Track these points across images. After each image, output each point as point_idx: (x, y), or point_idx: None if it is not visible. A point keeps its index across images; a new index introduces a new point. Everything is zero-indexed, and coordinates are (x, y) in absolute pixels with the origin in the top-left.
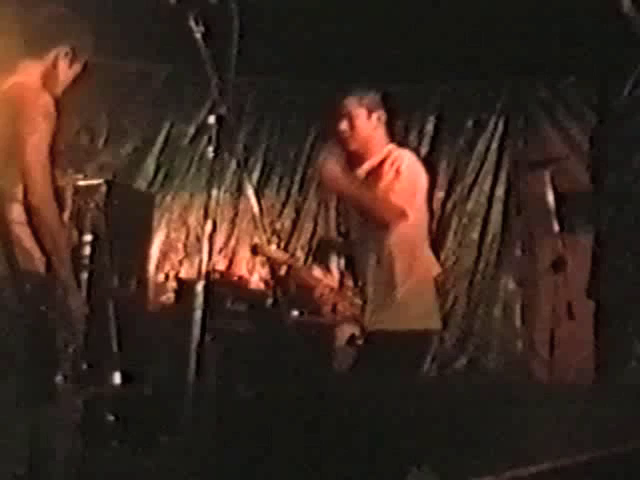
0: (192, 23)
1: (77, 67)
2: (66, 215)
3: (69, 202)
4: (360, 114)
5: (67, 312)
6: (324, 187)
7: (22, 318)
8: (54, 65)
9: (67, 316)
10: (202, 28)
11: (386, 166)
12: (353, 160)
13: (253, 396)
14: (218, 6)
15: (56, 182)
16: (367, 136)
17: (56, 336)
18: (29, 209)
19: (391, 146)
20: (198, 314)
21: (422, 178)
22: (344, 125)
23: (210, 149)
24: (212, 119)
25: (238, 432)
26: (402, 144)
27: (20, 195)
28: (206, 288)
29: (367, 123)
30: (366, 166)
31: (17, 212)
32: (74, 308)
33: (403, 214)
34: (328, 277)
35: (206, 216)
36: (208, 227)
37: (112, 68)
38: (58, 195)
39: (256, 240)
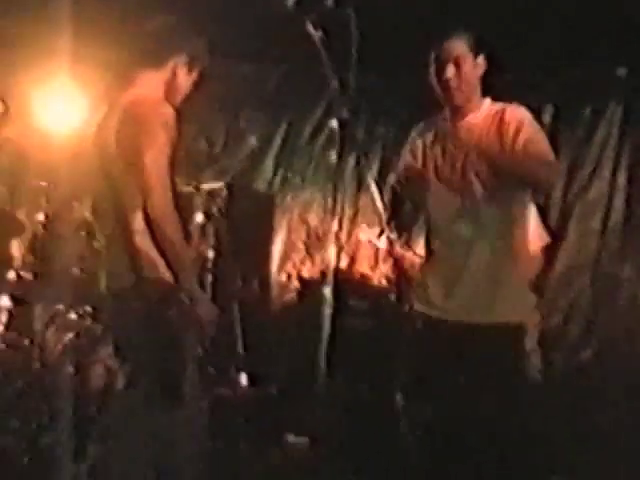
0: (310, 28)
1: (195, 75)
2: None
3: (190, 207)
4: (467, 57)
5: (195, 319)
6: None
7: (149, 325)
8: (173, 74)
9: (195, 323)
10: (320, 32)
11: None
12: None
13: (377, 396)
14: (335, 10)
15: (177, 189)
16: (473, 86)
17: (184, 342)
18: (149, 219)
19: (488, 100)
20: (327, 313)
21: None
22: (450, 72)
23: (333, 153)
24: (334, 123)
25: (363, 432)
26: None
27: (141, 206)
28: (335, 287)
29: (474, 69)
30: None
31: (139, 222)
32: (202, 315)
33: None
34: None
35: (332, 214)
36: (334, 224)
37: (226, 71)
38: (179, 202)
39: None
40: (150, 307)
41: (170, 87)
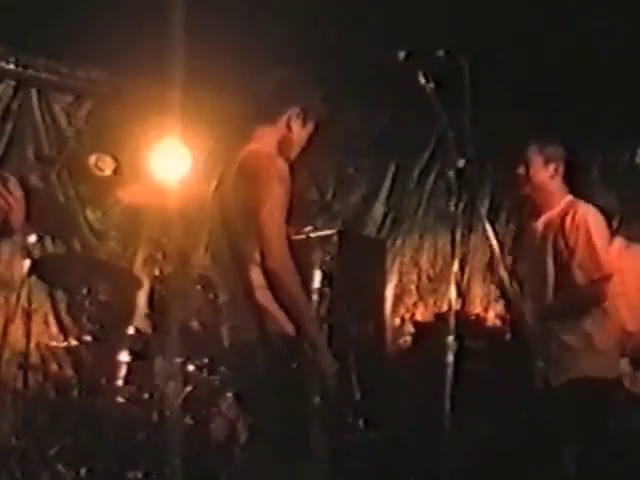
0: (421, 79)
1: (310, 127)
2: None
3: (303, 256)
4: (537, 162)
5: (317, 370)
6: None
7: (272, 378)
8: (288, 128)
9: (317, 374)
10: (432, 84)
11: (568, 220)
12: (532, 212)
13: (497, 435)
14: (446, 59)
15: (291, 239)
16: (541, 183)
17: (305, 394)
18: (267, 273)
19: (569, 198)
20: (450, 357)
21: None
22: (521, 170)
23: (452, 203)
24: (452, 173)
25: (490, 472)
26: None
27: (259, 259)
28: (456, 329)
29: (543, 171)
30: (544, 218)
31: (258, 277)
32: (324, 366)
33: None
34: None
35: (451, 255)
36: (455, 266)
37: (334, 118)
38: (294, 252)
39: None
40: (272, 360)
41: (284, 141)
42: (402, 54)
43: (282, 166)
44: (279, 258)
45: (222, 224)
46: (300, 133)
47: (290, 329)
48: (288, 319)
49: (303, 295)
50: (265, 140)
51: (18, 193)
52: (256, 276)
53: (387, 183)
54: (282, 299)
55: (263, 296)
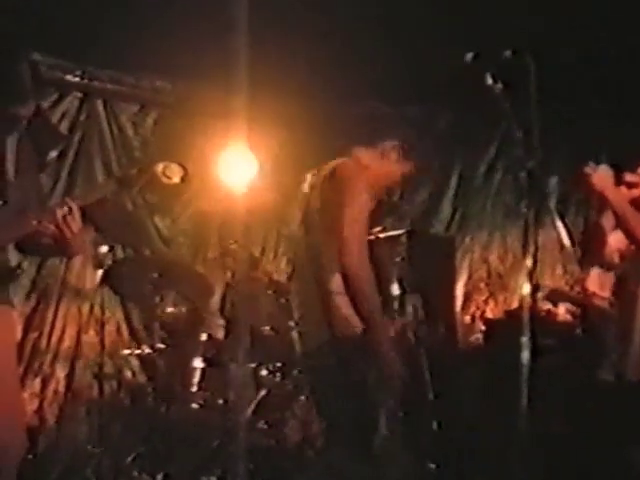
0: (489, 80)
1: (408, 165)
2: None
3: (374, 258)
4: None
5: (385, 373)
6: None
7: (341, 379)
8: (383, 155)
9: (385, 376)
10: (500, 85)
11: None
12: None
13: (571, 432)
14: (513, 59)
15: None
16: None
17: (374, 395)
18: (346, 278)
19: None
20: (526, 354)
21: None
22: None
23: (523, 205)
24: (524, 174)
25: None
26: None
27: (339, 266)
28: (531, 325)
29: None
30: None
31: (337, 283)
32: (392, 368)
33: None
34: None
35: (523, 252)
36: (528, 262)
37: (398, 118)
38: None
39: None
40: (344, 362)
41: (378, 164)
42: (469, 56)
43: (371, 176)
44: (358, 264)
45: (306, 230)
46: (394, 163)
47: (359, 332)
48: (361, 324)
49: (377, 300)
50: (362, 155)
51: (79, 222)
52: (336, 284)
53: (454, 181)
54: (357, 303)
55: (340, 301)
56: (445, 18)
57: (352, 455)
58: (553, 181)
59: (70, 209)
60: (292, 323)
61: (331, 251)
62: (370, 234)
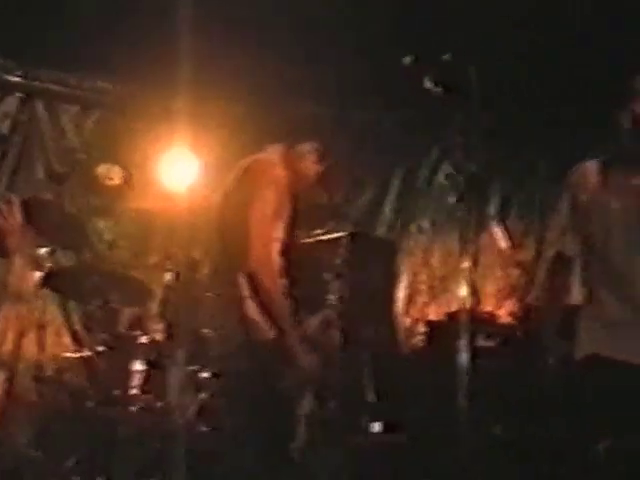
0: (428, 83)
1: (323, 166)
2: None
3: (313, 259)
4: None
5: (299, 373)
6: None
7: (255, 381)
8: (301, 156)
9: (299, 376)
10: (439, 88)
11: None
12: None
13: (513, 436)
14: (453, 63)
15: (288, 244)
16: None
17: (290, 397)
18: (252, 280)
19: None
20: (464, 356)
21: None
22: None
23: (461, 207)
24: (461, 178)
25: (499, 474)
26: None
27: (245, 265)
28: (469, 328)
29: None
30: None
31: (244, 282)
32: (305, 368)
33: None
34: None
35: (460, 253)
36: (465, 263)
37: (342, 120)
38: (288, 257)
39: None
40: (258, 365)
41: (296, 167)
42: (409, 59)
43: (282, 174)
44: (260, 262)
45: (220, 231)
46: (310, 166)
47: (271, 335)
48: (269, 324)
49: (281, 300)
50: (273, 153)
51: (19, 217)
52: (244, 282)
53: (396, 184)
54: (264, 304)
55: (249, 305)
56: (386, 21)
57: (266, 458)
58: (495, 184)
59: (10, 202)
60: (209, 327)
61: (241, 252)
62: (311, 236)
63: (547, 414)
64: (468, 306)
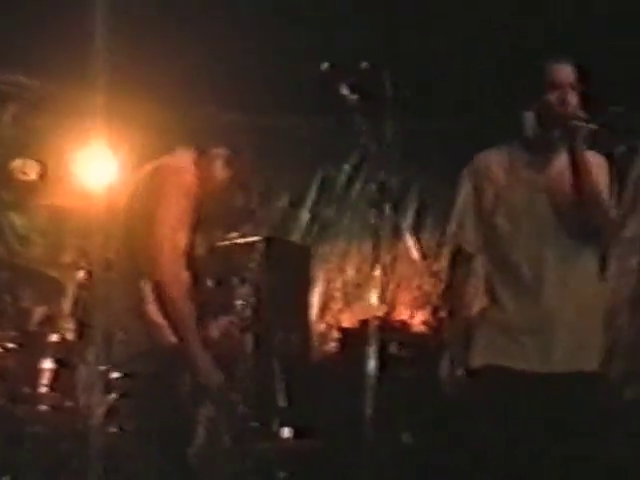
0: (344, 90)
1: (231, 171)
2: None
3: (226, 262)
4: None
5: (202, 383)
6: None
7: (157, 388)
8: (210, 161)
9: (202, 385)
10: (355, 95)
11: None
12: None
13: (420, 444)
14: (370, 71)
15: (194, 251)
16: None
17: (191, 405)
18: (157, 285)
19: None
20: (371, 362)
21: None
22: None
23: (373, 215)
24: (374, 187)
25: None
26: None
27: (151, 271)
28: (378, 336)
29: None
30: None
31: (147, 285)
32: (205, 375)
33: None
34: None
35: (373, 261)
36: (377, 272)
37: (261, 124)
38: (195, 266)
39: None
40: (159, 372)
41: (204, 172)
42: (326, 65)
43: (190, 180)
44: (168, 271)
45: (125, 234)
46: (220, 171)
47: (173, 341)
48: (171, 328)
49: (191, 308)
50: (181, 157)
51: None
52: (148, 288)
53: (313, 190)
54: (168, 311)
55: (152, 308)
56: (305, 26)
57: (160, 465)
58: (412, 193)
59: None
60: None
61: (145, 258)
62: (226, 239)
63: (454, 423)
64: (378, 314)
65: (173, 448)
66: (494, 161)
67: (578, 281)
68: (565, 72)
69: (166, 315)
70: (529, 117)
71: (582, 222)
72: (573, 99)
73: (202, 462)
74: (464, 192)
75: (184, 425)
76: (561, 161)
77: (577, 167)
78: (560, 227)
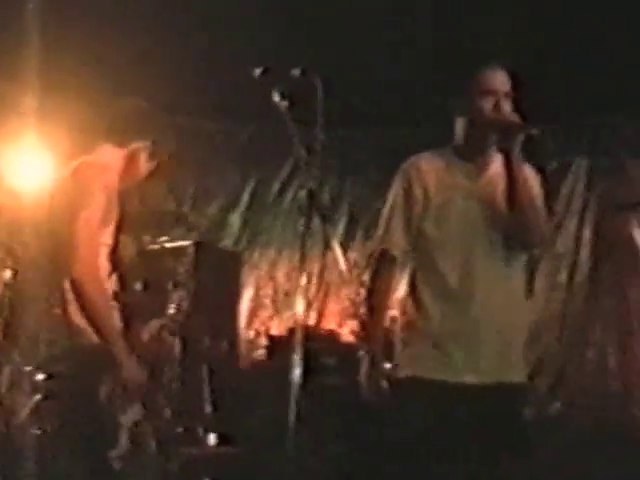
0: (276, 97)
1: (154, 164)
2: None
3: (157, 266)
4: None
5: (124, 382)
6: None
7: (79, 392)
8: (133, 157)
9: (124, 386)
10: (286, 102)
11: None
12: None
13: (346, 452)
14: (301, 78)
15: (118, 252)
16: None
17: (111, 406)
18: (75, 285)
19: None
20: (297, 372)
21: None
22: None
23: (302, 223)
24: (303, 192)
25: None
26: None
27: (70, 270)
28: (304, 344)
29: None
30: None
31: (69, 286)
32: (130, 379)
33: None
34: None
35: (299, 270)
36: (302, 280)
37: (194, 130)
38: (119, 266)
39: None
40: (81, 373)
41: (127, 167)
42: (258, 71)
43: (111, 178)
44: (84, 267)
45: (49, 233)
46: (143, 165)
47: (95, 341)
48: (93, 329)
49: (106, 306)
50: (105, 155)
51: None
52: (67, 287)
53: (246, 196)
54: (86, 310)
55: (72, 310)
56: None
57: (78, 469)
58: (343, 204)
59: None
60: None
61: (65, 256)
62: (156, 243)
63: (377, 433)
64: (304, 323)
65: (95, 451)
66: (426, 165)
67: (505, 294)
68: (499, 79)
69: (87, 315)
70: (460, 123)
71: (514, 234)
72: (507, 106)
73: (125, 465)
74: (394, 194)
75: (107, 427)
76: (495, 170)
77: (512, 177)
78: (491, 238)
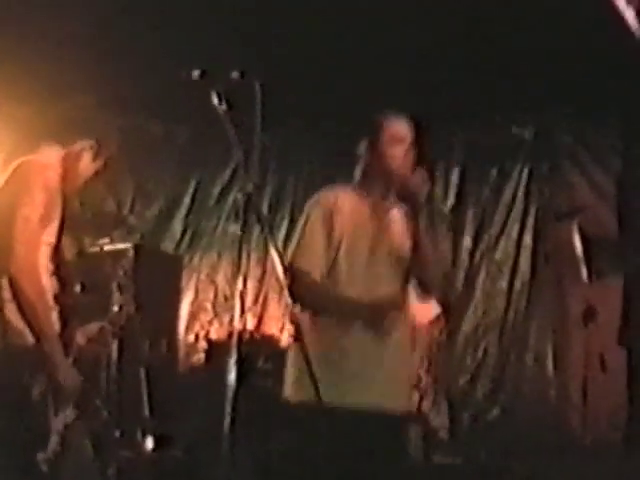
0: (214, 100)
1: (99, 163)
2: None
3: (96, 269)
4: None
5: (57, 384)
6: None
7: (11, 392)
8: (77, 156)
9: (57, 388)
10: (224, 105)
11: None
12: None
13: (287, 456)
14: (240, 81)
15: (61, 253)
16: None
17: (44, 409)
18: (13, 284)
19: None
20: (232, 375)
21: None
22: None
23: (237, 226)
24: (240, 196)
25: None
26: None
27: (7, 266)
28: (239, 348)
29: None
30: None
31: (6, 285)
32: (63, 381)
33: None
34: None
35: (236, 274)
36: (239, 284)
37: (135, 130)
38: (60, 266)
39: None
40: (15, 373)
41: (70, 166)
42: (196, 73)
43: (51, 176)
44: (22, 266)
45: None
46: (88, 165)
47: (30, 341)
48: (29, 330)
49: (44, 307)
50: (48, 154)
51: None
52: (5, 285)
53: (187, 199)
54: (24, 309)
55: (9, 309)
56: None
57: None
58: (285, 207)
59: None
60: None
61: (2, 255)
62: (95, 245)
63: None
64: (241, 327)
65: (23, 453)
66: (341, 198)
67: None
68: (401, 127)
69: (24, 315)
70: (359, 166)
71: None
72: (409, 155)
73: (55, 469)
74: (313, 219)
75: (37, 429)
76: (398, 214)
77: (412, 226)
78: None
